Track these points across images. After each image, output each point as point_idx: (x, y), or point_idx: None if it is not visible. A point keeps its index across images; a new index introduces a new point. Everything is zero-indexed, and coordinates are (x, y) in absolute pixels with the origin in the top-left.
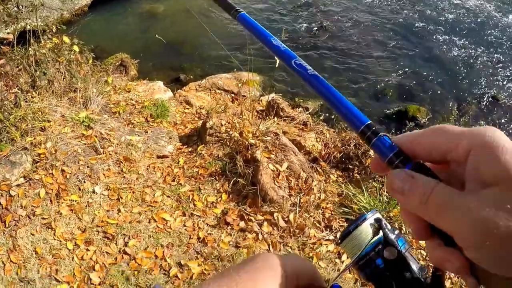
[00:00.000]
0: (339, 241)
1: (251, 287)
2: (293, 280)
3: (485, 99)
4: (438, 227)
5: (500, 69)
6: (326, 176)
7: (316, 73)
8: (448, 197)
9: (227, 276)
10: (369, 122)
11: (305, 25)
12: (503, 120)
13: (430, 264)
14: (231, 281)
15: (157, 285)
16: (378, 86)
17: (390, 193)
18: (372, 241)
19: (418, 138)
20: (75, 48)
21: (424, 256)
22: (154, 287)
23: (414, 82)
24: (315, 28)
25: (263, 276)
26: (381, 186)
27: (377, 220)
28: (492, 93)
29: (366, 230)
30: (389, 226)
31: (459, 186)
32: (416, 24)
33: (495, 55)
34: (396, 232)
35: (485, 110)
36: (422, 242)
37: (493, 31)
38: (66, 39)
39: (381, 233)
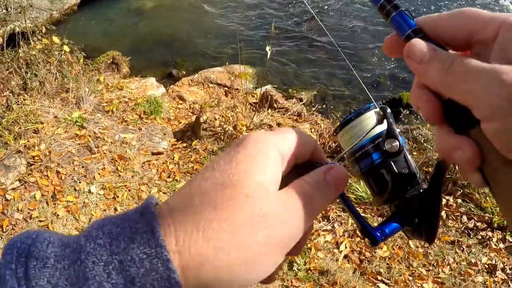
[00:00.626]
0: (337, 129)
1: (246, 177)
2: (291, 161)
3: None
4: (456, 98)
5: None
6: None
7: None
8: (474, 63)
9: (220, 170)
10: None
11: (296, 17)
12: None
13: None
14: (224, 175)
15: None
16: (372, 75)
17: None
18: (373, 131)
19: (442, 18)
20: (66, 48)
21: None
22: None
23: (407, 69)
24: (306, 20)
25: (255, 160)
26: None
27: (383, 109)
28: None
29: (369, 119)
30: (393, 120)
31: None
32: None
33: None
34: (398, 130)
35: None
36: None
37: None
38: (56, 39)
39: (384, 123)
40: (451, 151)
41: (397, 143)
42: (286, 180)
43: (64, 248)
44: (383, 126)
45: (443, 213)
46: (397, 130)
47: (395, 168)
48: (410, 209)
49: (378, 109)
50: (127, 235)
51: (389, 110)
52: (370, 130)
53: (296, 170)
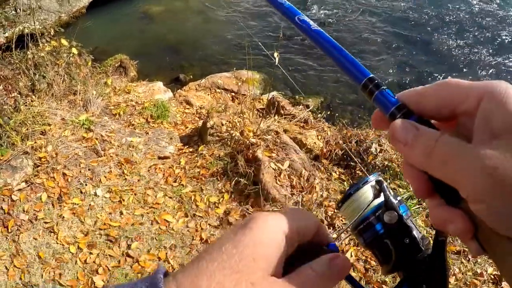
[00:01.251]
0: (339, 204)
1: (252, 264)
2: (296, 241)
3: None
4: (442, 179)
5: (499, 64)
6: (328, 173)
7: (319, 28)
8: (456, 145)
9: (227, 253)
10: (371, 75)
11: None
12: None
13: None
14: (231, 259)
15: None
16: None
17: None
18: (372, 204)
19: (424, 92)
20: (74, 50)
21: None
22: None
23: (413, 77)
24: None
25: (261, 245)
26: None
27: (379, 182)
28: None
29: (367, 193)
30: (391, 191)
31: (466, 141)
32: (414, 19)
33: (494, 51)
34: (399, 198)
35: None
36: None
37: (492, 26)
38: (64, 41)
39: (382, 196)
40: (444, 223)
41: (396, 214)
42: (289, 260)
43: None
44: (382, 196)
45: None
46: (396, 200)
47: (396, 239)
48: (416, 276)
49: (374, 183)
50: None
51: (385, 184)
52: (368, 205)
53: (300, 249)
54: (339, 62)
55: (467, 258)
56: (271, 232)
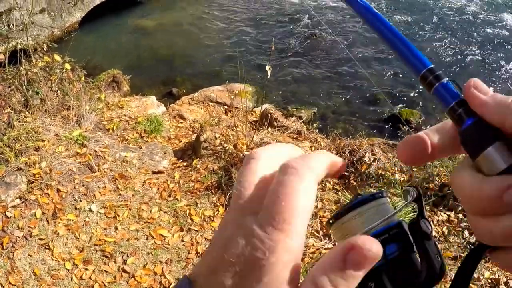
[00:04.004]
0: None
1: None
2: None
3: None
4: None
5: (492, 69)
6: (323, 184)
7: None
8: None
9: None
10: (432, 66)
11: (296, 34)
12: None
13: None
14: None
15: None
16: (371, 91)
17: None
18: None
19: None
20: (67, 66)
21: None
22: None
23: (405, 85)
24: (305, 37)
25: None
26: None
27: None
28: None
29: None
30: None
31: None
32: (406, 27)
33: (487, 55)
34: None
35: None
36: None
37: (483, 30)
38: (57, 57)
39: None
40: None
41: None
42: None
43: None
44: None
45: (445, 229)
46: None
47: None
48: None
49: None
50: None
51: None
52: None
53: None
54: (394, 46)
55: None
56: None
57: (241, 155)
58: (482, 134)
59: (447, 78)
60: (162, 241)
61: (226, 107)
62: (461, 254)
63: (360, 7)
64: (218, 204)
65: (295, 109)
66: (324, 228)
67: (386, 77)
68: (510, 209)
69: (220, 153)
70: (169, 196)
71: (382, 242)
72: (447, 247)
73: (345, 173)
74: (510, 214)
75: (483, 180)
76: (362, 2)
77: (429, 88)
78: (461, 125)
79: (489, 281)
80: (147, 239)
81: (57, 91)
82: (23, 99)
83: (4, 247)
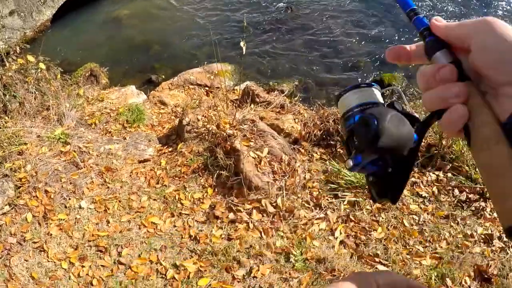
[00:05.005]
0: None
1: None
2: None
3: None
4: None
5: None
6: (310, 155)
7: None
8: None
9: None
10: (414, 7)
11: (270, 9)
12: None
13: None
14: None
15: None
16: (351, 59)
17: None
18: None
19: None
20: (41, 65)
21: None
22: None
23: (384, 50)
24: (280, 11)
25: None
26: None
27: (392, 102)
28: None
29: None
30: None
31: None
32: None
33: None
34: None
35: None
36: None
37: None
38: (31, 58)
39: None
40: (448, 98)
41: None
42: None
43: None
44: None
45: (434, 189)
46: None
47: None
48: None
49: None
50: None
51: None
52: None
53: None
54: None
55: (456, 221)
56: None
57: (225, 134)
58: (435, 45)
59: (423, 15)
60: (154, 228)
61: (207, 88)
62: (453, 212)
63: None
64: (206, 186)
65: (276, 84)
66: (314, 199)
67: (365, 43)
68: (438, 84)
69: (203, 134)
70: (157, 183)
71: (363, 110)
72: (439, 206)
73: (331, 142)
74: (438, 86)
75: (430, 67)
76: None
77: (410, 20)
78: (425, 40)
79: (483, 236)
80: (139, 228)
81: (34, 92)
82: (1, 104)
83: (0, 255)
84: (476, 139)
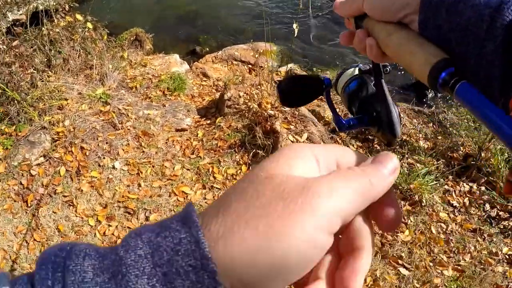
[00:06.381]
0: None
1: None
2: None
3: None
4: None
5: None
6: (346, 146)
7: None
8: None
9: (249, 174)
10: None
11: None
12: None
13: None
14: (253, 175)
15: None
16: None
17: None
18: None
19: None
20: (89, 25)
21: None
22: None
23: None
24: None
25: (285, 160)
26: (401, 157)
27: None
28: None
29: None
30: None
31: None
32: None
33: None
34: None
35: None
36: None
37: None
38: (79, 16)
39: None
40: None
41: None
42: None
43: (102, 260)
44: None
45: (466, 200)
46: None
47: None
48: (367, 107)
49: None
50: (170, 245)
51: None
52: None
53: None
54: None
55: (483, 237)
56: (298, 151)
57: (265, 114)
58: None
59: None
60: (184, 198)
61: (250, 65)
62: (481, 227)
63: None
64: (241, 163)
65: (320, 70)
66: None
67: None
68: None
69: (244, 111)
70: (192, 153)
71: (349, 81)
72: (467, 218)
73: (369, 136)
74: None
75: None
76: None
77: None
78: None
79: (507, 256)
80: (169, 196)
81: (79, 50)
82: (45, 59)
83: (29, 205)
84: (380, 35)
